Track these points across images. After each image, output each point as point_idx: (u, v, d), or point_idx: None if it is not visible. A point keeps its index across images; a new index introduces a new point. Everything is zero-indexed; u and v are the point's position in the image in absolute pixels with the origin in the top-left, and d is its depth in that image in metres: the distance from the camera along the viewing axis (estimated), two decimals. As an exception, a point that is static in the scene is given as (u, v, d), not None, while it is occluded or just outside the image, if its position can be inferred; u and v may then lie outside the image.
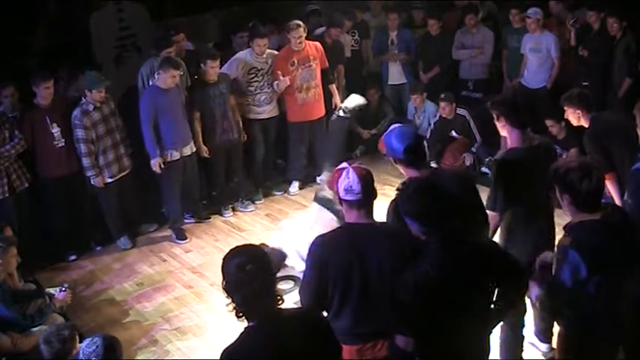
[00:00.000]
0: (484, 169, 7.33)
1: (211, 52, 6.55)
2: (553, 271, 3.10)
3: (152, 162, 6.22)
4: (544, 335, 4.41)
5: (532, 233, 3.89)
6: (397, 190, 2.99)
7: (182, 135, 6.34)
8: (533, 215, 3.90)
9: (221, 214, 7.00)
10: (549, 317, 3.28)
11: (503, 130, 3.94)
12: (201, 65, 6.46)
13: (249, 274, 2.46)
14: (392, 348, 2.92)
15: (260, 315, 2.50)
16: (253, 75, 6.89)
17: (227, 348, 2.50)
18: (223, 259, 2.56)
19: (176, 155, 6.32)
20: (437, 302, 2.78)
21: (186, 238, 6.59)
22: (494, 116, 3.95)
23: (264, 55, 6.90)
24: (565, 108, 4.94)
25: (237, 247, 2.64)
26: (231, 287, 2.50)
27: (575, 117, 4.89)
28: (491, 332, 3.14)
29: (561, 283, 3.02)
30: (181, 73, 6.34)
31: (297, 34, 6.83)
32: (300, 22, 6.92)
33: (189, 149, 6.43)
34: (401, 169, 3.50)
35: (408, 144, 3.37)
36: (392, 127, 3.60)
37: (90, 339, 3.38)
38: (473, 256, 2.85)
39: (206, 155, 6.64)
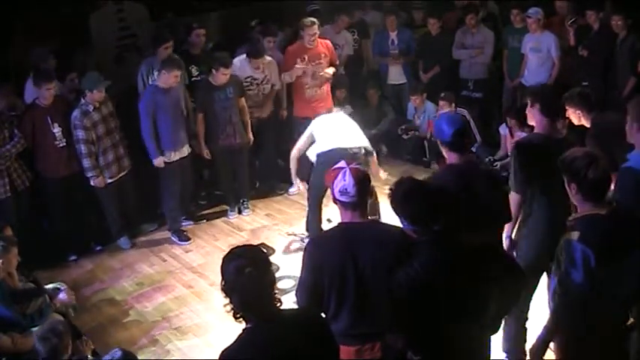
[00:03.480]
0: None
1: (224, 60, 6.42)
2: (562, 267, 3.11)
3: (155, 161, 6.22)
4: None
5: (550, 226, 3.87)
6: (390, 189, 2.99)
7: (180, 136, 6.33)
8: (551, 207, 3.89)
9: (227, 215, 6.99)
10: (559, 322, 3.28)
11: (533, 118, 3.99)
12: (212, 70, 6.42)
13: (248, 277, 2.45)
14: (384, 346, 2.93)
15: (258, 316, 2.49)
16: (249, 84, 6.90)
17: (225, 349, 2.49)
18: (222, 259, 2.55)
19: (175, 156, 6.31)
20: (427, 302, 2.78)
21: (189, 240, 6.56)
22: (529, 102, 4.00)
23: (261, 65, 6.91)
24: (566, 107, 4.95)
25: (236, 248, 2.63)
26: (229, 289, 2.49)
27: (576, 117, 4.90)
28: (489, 334, 3.14)
29: (574, 280, 3.02)
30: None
31: (312, 31, 6.89)
32: (315, 20, 6.98)
33: (186, 150, 6.43)
34: (444, 152, 3.60)
35: (457, 128, 3.49)
36: (442, 112, 3.70)
37: (111, 353, 3.42)
38: (465, 257, 2.85)
39: (207, 157, 6.64)
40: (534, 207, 3.91)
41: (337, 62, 7.26)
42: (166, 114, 6.16)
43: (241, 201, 7.05)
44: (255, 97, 6.97)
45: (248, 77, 6.89)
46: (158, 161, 6.23)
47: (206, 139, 6.64)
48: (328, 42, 7.24)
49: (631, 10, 6.83)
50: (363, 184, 3.04)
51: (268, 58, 7.00)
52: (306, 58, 6.99)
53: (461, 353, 2.91)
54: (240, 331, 2.52)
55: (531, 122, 4.08)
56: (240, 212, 7.01)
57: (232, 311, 2.50)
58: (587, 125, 4.88)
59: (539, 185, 3.86)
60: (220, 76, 6.38)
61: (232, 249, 2.61)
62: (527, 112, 4.07)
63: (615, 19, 6.79)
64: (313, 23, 6.90)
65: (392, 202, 2.95)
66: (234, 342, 2.49)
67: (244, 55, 6.90)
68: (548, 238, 3.83)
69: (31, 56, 6.48)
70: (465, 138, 3.54)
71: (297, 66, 6.93)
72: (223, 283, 2.51)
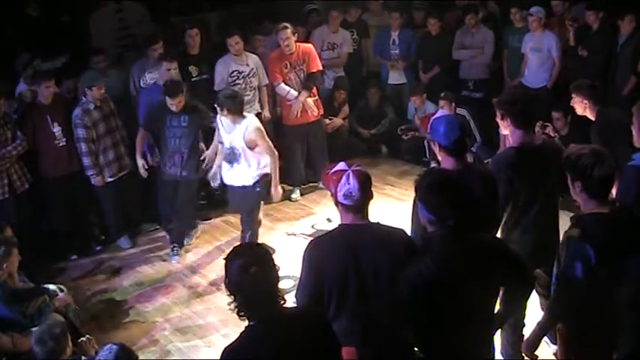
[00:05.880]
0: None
1: (171, 89, 5.82)
2: (562, 264, 3.10)
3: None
4: (553, 336, 4.41)
5: (531, 237, 3.87)
6: (418, 175, 3.00)
7: None
8: (534, 218, 3.87)
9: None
10: (555, 318, 3.28)
11: (507, 129, 3.93)
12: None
13: (253, 275, 2.45)
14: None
15: (262, 315, 2.50)
16: (235, 78, 6.83)
17: (228, 347, 2.50)
18: (226, 258, 2.55)
19: None
20: (437, 297, 2.78)
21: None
22: (499, 115, 3.94)
23: (244, 57, 6.85)
24: (573, 95, 4.93)
25: (240, 246, 2.63)
26: (233, 287, 2.49)
27: (582, 107, 4.88)
28: (495, 332, 3.14)
29: (574, 277, 3.02)
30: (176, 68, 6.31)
31: (284, 35, 6.74)
32: (288, 25, 6.82)
33: None
34: (439, 154, 3.54)
35: (460, 135, 3.44)
36: (441, 112, 3.64)
37: (107, 348, 3.39)
38: (476, 252, 2.85)
39: (143, 176, 6.19)
40: (521, 219, 3.86)
41: (319, 68, 7.11)
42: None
43: (175, 244, 6.30)
44: (243, 92, 6.71)
45: (234, 72, 6.82)
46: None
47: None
48: (309, 46, 7.13)
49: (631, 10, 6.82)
50: (367, 186, 3.02)
51: (252, 55, 6.96)
52: (289, 64, 6.89)
53: (466, 352, 2.91)
54: (243, 330, 2.52)
55: (505, 132, 4.02)
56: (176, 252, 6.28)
57: (236, 310, 2.50)
58: (591, 117, 4.85)
59: (522, 197, 3.81)
60: (170, 106, 5.83)
61: (236, 247, 2.61)
62: (499, 122, 4.00)
63: (628, 19, 6.75)
64: (285, 28, 6.75)
65: (416, 189, 2.95)
66: (237, 340, 2.50)
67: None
68: (535, 250, 3.82)
69: (16, 62, 6.39)
70: (465, 143, 3.51)
71: (283, 85, 6.88)
72: (227, 281, 2.51)
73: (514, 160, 3.79)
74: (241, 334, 2.51)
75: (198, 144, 6.16)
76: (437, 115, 3.61)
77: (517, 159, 3.79)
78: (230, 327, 5.07)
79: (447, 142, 3.44)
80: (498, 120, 3.97)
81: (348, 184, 2.99)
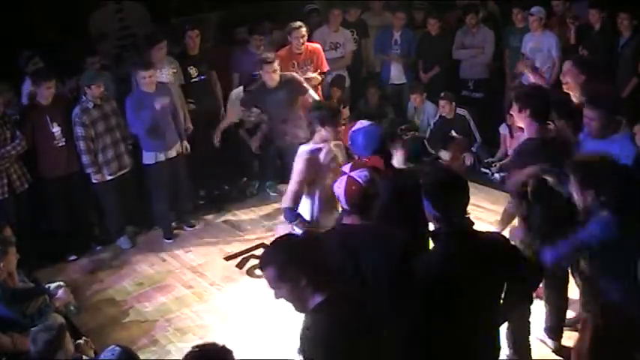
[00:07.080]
0: (484, 169, 7.35)
1: (265, 57, 6.13)
2: None
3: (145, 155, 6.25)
4: (554, 333, 4.43)
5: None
6: (426, 173, 3.02)
7: (167, 137, 6.22)
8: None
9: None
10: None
11: (523, 121, 3.99)
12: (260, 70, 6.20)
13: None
14: None
15: (328, 290, 2.51)
16: None
17: (318, 329, 2.47)
18: (273, 252, 2.57)
19: (161, 157, 6.24)
20: (439, 294, 2.79)
21: (171, 238, 6.56)
22: (516, 107, 3.99)
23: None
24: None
25: (271, 243, 2.67)
26: (285, 278, 2.49)
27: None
28: (499, 328, 3.15)
29: None
30: (174, 70, 6.32)
31: (299, 34, 6.75)
32: (302, 23, 6.84)
33: (174, 151, 6.33)
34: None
35: (378, 147, 3.51)
36: (359, 124, 3.67)
37: (110, 350, 3.41)
38: (479, 251, 2.86)
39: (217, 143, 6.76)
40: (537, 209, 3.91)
41: (326, 68, 7.11)
42: (152, 115, 6.03)
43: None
44: None
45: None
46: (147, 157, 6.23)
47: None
48: (317, 46, 7.11)
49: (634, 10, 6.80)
50: (355, 198, 3.01)
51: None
52: (296, 64, 6.86)
53: (467, 351, 2.91)
54: (316, 306, 2.51)
55: (519, 124, 4.10)
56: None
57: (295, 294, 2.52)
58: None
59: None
60: (265, 75, 6.12)
61: (273, 244, 2.63)
62: (514, 115, 4.06)
63: (622, 18, 6.74)
64: (301, 26, 6.75)
65: (424, 185, 2.97)
66: (320, 322, 2.48)
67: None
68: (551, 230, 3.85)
69: (19, 59, 6.42)
70: (386, 154, 3.50)
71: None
72: (277, 278, 2.49)
73: (536, 150, 3.86)
74: (317, 312, 2.50)
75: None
76: (355, 127, 3.58)
77: (538, 149, 3.86)
78: (230, 327, 5.08)
79: (368, 154, 3.45)
80: (514, 112, 4.03)
81: (339, 187, 3.03)
